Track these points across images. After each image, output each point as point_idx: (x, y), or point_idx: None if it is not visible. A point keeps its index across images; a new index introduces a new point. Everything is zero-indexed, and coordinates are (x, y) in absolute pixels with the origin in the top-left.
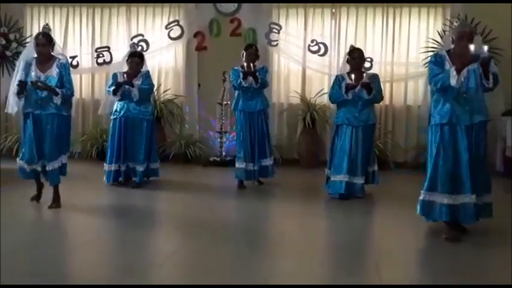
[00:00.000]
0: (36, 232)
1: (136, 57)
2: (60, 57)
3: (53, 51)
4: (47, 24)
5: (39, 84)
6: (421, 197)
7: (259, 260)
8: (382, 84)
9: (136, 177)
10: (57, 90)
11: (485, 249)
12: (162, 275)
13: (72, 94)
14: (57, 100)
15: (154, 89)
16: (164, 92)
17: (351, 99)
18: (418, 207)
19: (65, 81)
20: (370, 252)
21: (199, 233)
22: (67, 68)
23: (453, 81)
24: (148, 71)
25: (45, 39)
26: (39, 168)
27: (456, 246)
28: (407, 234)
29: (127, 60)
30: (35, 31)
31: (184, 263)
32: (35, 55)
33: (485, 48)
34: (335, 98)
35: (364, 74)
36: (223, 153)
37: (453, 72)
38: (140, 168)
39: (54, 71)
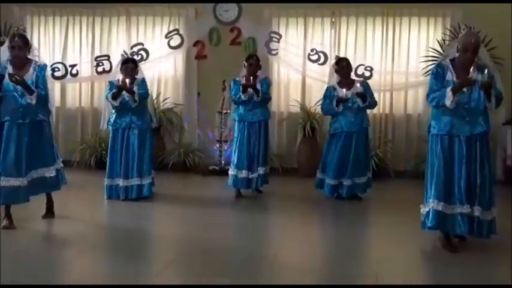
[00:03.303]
0: (31, 242)
1: (129, 63)
2: (38, 61)
3: (29, 54)
4: (22, 25)
5: (16, 77)
6: (431, 206)
7: (255, 272)
8: (382, 94)
9: (139, 192)
10: (33, 88)
11: (484, 256)
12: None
13: (46, 95)
14: (32, 100)
15: (154, 97)
16: (163, 100)
17: (345, 106)
18: (430, 218)
19: (39, 82)
20: (369, 262)
21: (194, 244)
22: (43, 70)
23: (448, 102)
24: (144, 78)
25: (21, 41)
26: (25, 182)
27: (455, 254)
28: (406, 243)
29: (121, 68)
30: (35, 40)
31: (179, 272)
32: (9, 57)
33: (485, 71)
34: (327, 111)
35: (355, 82)
36: (223, 162)
37: (449, 93)
38: (147, 180)
39: (31, 75)
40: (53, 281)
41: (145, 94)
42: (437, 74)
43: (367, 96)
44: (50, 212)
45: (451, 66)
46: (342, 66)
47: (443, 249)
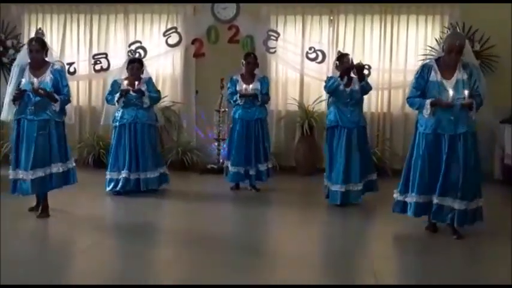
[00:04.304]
0: (31, 241)
1: (136, 63)
2: (55, 63)
3: (46, 56)
4: (40, 29)
5: (40, 90)
6: (413, 200)
7: (255, 268)
8: (380, 92)
9: (147, 186)
10: (56, 96)
11: (484, 255)
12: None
13: (69, 100)
14: (56, 107)
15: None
16: (162, 98)
17: (342, 100)
18: (413, 210)
19: (61, 87)
20: (368, 259)
21: (195, 242)
22: (63, 73)
23: (425, 113)
24: (151, 78)
25: (38, 45)
26: (30, 176)
27: (455, 253)
28: (405, 241)
29: (127, 68)
30: None
31: (179, 271)
32: (29, 60)
33: (466, 92)
34: (330, 85)
35: (354, 79)
36: (221, 160)
37: (427, 105)
38: (155, 174)
39: (47, 77)
40: (52, 280)
41: (159, 98)
42: (419, 78)
43: (364, 75)
44: (44, 212)
45: (435, 66)
46: (343, 62)
47: (426, 229)
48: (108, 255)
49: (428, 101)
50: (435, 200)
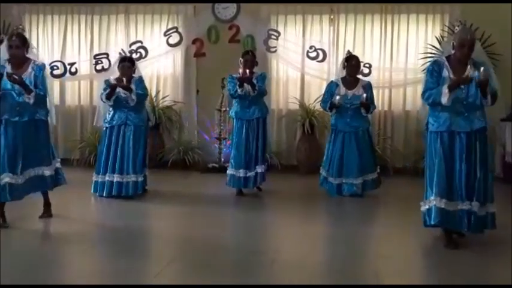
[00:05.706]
0: (29, 242)
1: (126, 62)
2: (36, 60)
3: (27, 53)
4: (21, 25)
5: (14, 76)
6: (433, 204)
7: (256, 268)
8: (381, 90)
9: (135, 189)
10: (31, 88)
11: (484, 255)
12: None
13: (45, 95)
14: (30, 99)
15: (153, 95)
16: (163, 98)
17: (342, 107)
18: (433, 216)
19: (38, 82)
20: (370, 260)
21: (195, 242)
22: (42, 70)
23: (444, 100)
24: (141, 76)
25: (19, 41)
26: (20, 180)
27: (455, 253)
28: (407, 241)
29: (118, 66)
30: (34, 39)
31: (179, 271)
32: (7, 57)
33: (482, 69)
34: (323, 108)
35: (360, 82)
36: (222, 159)
37: (445, 90)
38: (140, 178)
39: (29, 74)
40: (52, 280)
41: (144, 95)
42: (433, 72)
43: (370, 106)
44: (47, 212)
45: (447, 63)
46: (351, 64)
47: (446, 248)
48: (108, 255)
49: (445, 86)
50: (463, 206)
